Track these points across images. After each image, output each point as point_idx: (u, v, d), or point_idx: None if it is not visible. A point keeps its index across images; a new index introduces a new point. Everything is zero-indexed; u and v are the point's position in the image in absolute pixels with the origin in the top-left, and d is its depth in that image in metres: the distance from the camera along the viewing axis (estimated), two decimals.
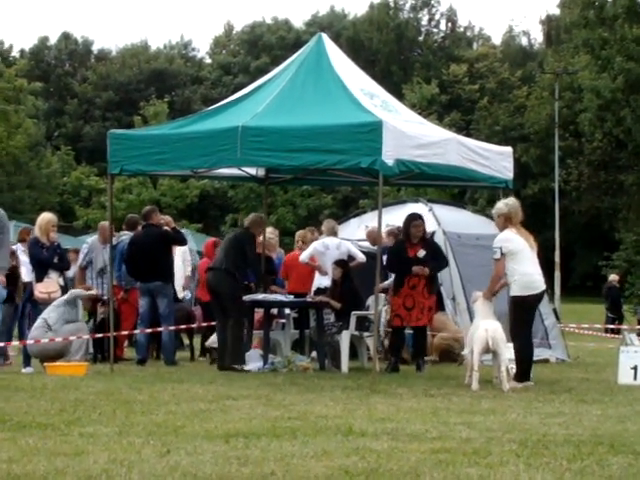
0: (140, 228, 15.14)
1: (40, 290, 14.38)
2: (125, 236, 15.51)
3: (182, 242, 15.43)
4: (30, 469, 6.07)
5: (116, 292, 14.84)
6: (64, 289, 14.70)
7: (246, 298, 13.81)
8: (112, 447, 6.92)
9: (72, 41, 78.29)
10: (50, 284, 14.48)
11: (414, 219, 13.97)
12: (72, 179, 53.51)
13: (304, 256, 15.09)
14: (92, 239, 16.61)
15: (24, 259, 14.69)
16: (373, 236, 15.38)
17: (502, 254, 11.79)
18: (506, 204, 12.10)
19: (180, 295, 16.09)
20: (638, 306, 33.38)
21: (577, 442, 7.36)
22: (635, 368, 12.60)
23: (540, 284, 12.04)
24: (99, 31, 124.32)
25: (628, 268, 41.92)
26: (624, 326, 25.86)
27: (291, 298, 14.49)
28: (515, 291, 11.79)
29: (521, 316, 11.82)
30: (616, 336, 23.23)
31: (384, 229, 14.54)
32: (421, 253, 13.80)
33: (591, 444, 7.27)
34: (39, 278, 14.47)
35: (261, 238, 15.49)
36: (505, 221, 11.97)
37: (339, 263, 14.29)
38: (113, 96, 70.73)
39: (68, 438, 7.33)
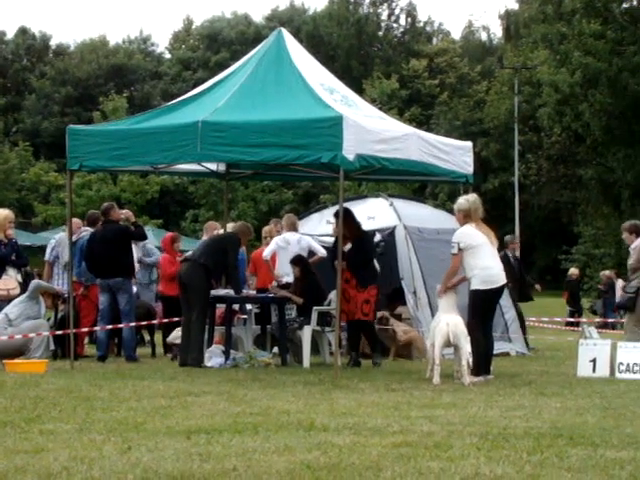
0: (100, 224, 15.06)
1: None
2: (85, 232, 15.43)
3: (142, 237, 15.37)
4: None
5: (76, 288, 14.76)
6: (22, 286, 14.61)
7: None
8: (73, 444, 6.89)
9: (29, 36, 77.66)
10: (9, 281, 14.39)
11: (334, 217, 13.86)
12: (31, 175, 52.95)
13: (266, 253, 15.11)
14: (60, 235, 16.58)
15: None
16: None
17: (460, 249, 11.83)
18: (467, 200, 12.13)
19: None
20: (596, 299, 33.65)
21: (537, 435, 7.42)
22: (594, 361, 12.72)
23: (500, 278, 12.09)
24: (57, 26, 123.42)
25: (587, 261, 42.32)
26: (583, 319, 26.07)
27: (252, 293, 14.48)
28: (475, 285, 11.82)
29: (480, 310, 11.86)
30: (575, 329, 23.41)
31: None
32: (347, 247, 13.72)
33: (551, 436, 7.33)
34: None
35: (222, 232, 15.46)
36: (465, 217, 12.01)
37: (294, 262, 14.27)
38: (72, 91, 70.23)
39: (28, 435, 7.28)
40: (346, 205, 13.97)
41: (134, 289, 16.33)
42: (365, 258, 13.80)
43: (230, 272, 13.86)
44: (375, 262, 14.28)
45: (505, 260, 17.83)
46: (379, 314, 15.36)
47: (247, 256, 16.56)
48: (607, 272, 32.69)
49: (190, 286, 13.57)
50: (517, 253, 20.11)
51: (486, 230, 12.06)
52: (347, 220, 13.71)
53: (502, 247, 17.27)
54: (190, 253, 15.10)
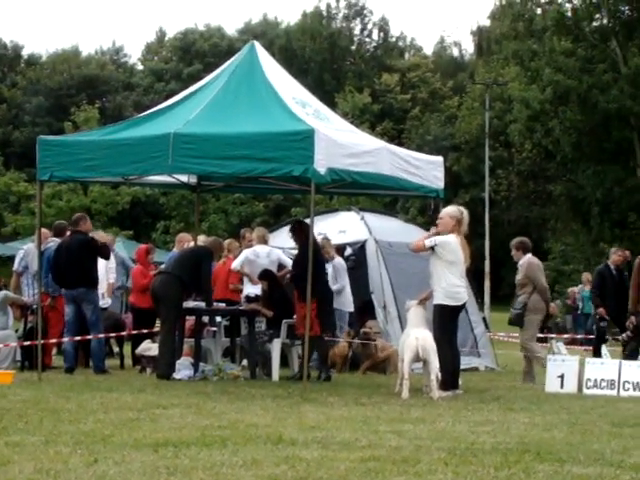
0: (67, 235, 14.99)
1: None
2: (52, 243, 15.34)
3: (106, 257, 15.24)
4: None
5: (43, 299, 14.66)
6: None
7: None
8: (39, 456, 6.83)
9: (1, 45, 77.25)
10: None
11: (290, 232, 14.17)
12: (0, 185, 52.78)
13: (235, 264, 15.10)
14: (29, 245, 16.48)
15: None
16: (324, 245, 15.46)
17: (432, 248, 11.83)
18: (461, 211, 12.20)
19: (100, 302, 15.91)
20: (565, 315, 33.73)
21: (504, 450, 7.44)
22: (562, 376, 12.79)
23: (464, 296, 12.16)
24: (29, 36, 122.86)
25: (556, 277, 42.54)
26: (552, 335, 26.17)
27: (222, 306, 14.46)
28: (440, 299, 11.90)
29: (445, 324, 11.93)
30: (544, 344, 23.49)
31: (317, 238, 14.57)
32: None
33: (518, 452, 7.35)
34: None
35: (193, 244, 15.45)
36: (455, 225, 12.01)
37: (262, 276, 14.25)
38: (43, 101, 69.95)
39: None
40: (317, 218, 13.98)
41: (109, 302, 16.28)
42: (300, 271, 13.01)
43: (203, 285, 13.82)
44: (326, 275, 14.14)
45: (607, 273, 17.05)
46: (363, 329, 15.44)
47: None
48: (575, 288, 32.86)
49: (164, 299, 13.53)
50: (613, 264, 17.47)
51: (464, 246, 12.10)
52: (297, 232, 13.75)
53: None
54: (164, 266, 15.05)
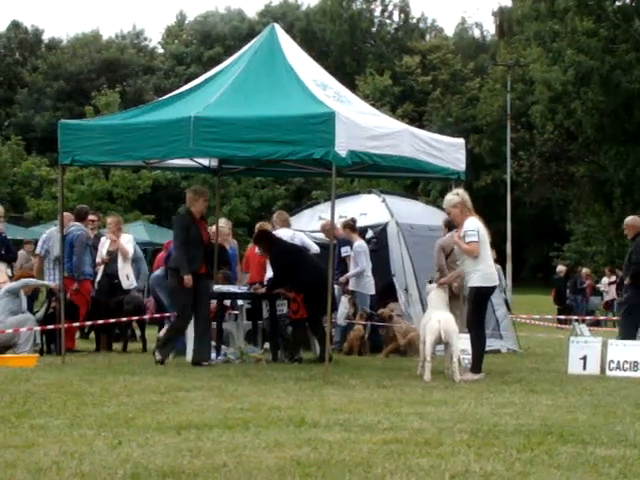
0: None
1: None
2: (74, 227, 15.39)
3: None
4: None
5: (68, 283, 14.72)
6: (12, 280, 14.57)
7: None
8: (63, 439, 6.88)
9: (22, 30, 77.46)
10: None
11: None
12: (23, 169, 52.91)
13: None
14: (51, 229, 16.51)
15: None
16: (328, 229, 15.40)
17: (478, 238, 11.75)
18: (457, 193, 12.10)
19: (125, 284, 16.02)
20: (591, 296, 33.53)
21: (527, 432, 7.43)
22: (584, 358, 12.74)
23: (497, 276, 12.15)
24: (49, 20, 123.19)
25: (578, 259, 42.40)
26: (574, 317, 26.07)
27: (244, 289, 14.48)
28: (476, 282, 11.75)
29: (480, 306, 11.87)
30: (565, 326, 23.45)
31: (338, 221, 14.58)
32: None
33: (541, 434, 7.34)
34: None
35: (214, 228, 15.44)
36: (463, 208, 11.94)
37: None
38: (64, 86, 70.11)
39: (18, 430, 7.27)
40: (338, 201, 13.95)
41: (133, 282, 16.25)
42: (279, 277, 13.79)
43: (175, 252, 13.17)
44: (316, 262, 14.12)
45: None
46: (380, 310, 15.43)
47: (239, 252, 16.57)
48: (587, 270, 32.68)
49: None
50: None
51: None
52: (262, 242, 13.94)
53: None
54: None
